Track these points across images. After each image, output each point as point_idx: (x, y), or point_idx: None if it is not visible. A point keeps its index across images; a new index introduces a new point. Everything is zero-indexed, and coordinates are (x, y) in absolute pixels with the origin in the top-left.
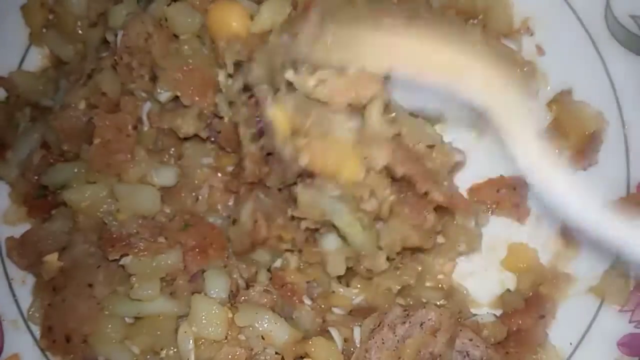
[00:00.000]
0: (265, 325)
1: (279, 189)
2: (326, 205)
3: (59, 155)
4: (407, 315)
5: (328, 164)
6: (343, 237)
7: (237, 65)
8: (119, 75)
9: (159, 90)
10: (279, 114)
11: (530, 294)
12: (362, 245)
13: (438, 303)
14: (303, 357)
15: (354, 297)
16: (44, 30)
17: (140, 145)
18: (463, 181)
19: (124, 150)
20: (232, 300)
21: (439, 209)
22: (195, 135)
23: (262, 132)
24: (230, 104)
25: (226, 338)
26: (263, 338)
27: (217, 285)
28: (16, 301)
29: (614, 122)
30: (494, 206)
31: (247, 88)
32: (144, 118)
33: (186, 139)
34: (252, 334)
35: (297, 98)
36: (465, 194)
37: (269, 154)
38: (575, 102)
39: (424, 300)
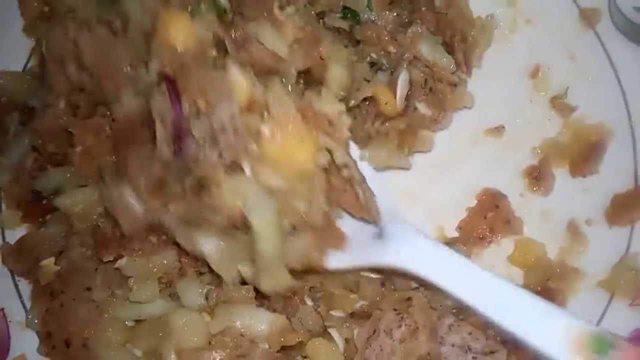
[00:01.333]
0: (243, 320)
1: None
2: (251, 198)
3: (50, 157)
4: (402, 318)
5: (286, 144)
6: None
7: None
8: None
9: None
10: (240, 77)
11: (539, 288)
12: (270, 254)
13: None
14: (305, 357)
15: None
16: (38, 22)
17: None
18: (453, 215)
19: (108, 152)
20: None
21: None
22: None
23: (179, 131)
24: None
25: (210, 343)
26: (243, 335)
27: (190, 294)
28: (22, 302)
29: (620, 114)
30: (488, 233)
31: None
32: None
33: None
34: (235, 334)
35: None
36: (457, 233)
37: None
38: (578, 113)
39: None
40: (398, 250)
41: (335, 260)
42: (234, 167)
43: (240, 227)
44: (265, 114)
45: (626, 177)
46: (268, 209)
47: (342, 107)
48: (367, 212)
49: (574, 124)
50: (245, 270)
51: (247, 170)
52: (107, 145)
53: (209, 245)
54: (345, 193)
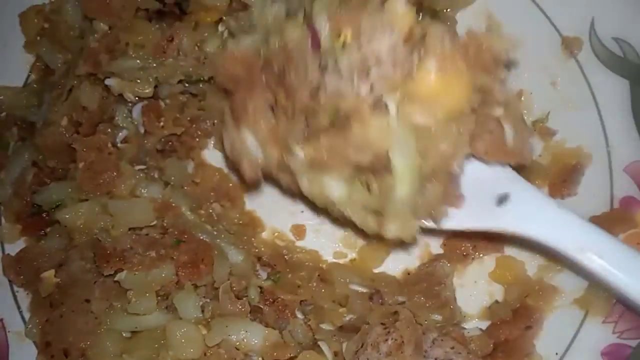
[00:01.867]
0: (237, 334)
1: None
2: (396, 137)
3: (51, 172)
4: (389, 332)
5: (441, 82)
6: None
7: None
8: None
9: None
10: (404, 7)
11: (518, 305)
12: (404, 200)
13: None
14: None
15: (345, 316)
16: (38, 38)
17: (123, 160)
18: (438, 233)
19: (110, 168)
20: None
21: None
22: (174, 151)
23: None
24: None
25: (206, 354)
26: (237, 348)
27: (187, 306)
28: (21, 313)
29: (597, 139)
30: (471, 250)
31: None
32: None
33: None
34: (229, 347)
35: None
36: (442, 250)
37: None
38: (558, 137)
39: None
40: (526, 218)
41: (455, 221)
42: (378, 105)
43: (374, 170)
44: (422, 49)
45: (602, 200)
46: (412, 150)
47: (512, 42)
48: (512, 155)
49: (554, 147)
50: (368, 218)
51: (393, 107)
52: (108, 161)
53: (337, 190)
54: (487, 136)
